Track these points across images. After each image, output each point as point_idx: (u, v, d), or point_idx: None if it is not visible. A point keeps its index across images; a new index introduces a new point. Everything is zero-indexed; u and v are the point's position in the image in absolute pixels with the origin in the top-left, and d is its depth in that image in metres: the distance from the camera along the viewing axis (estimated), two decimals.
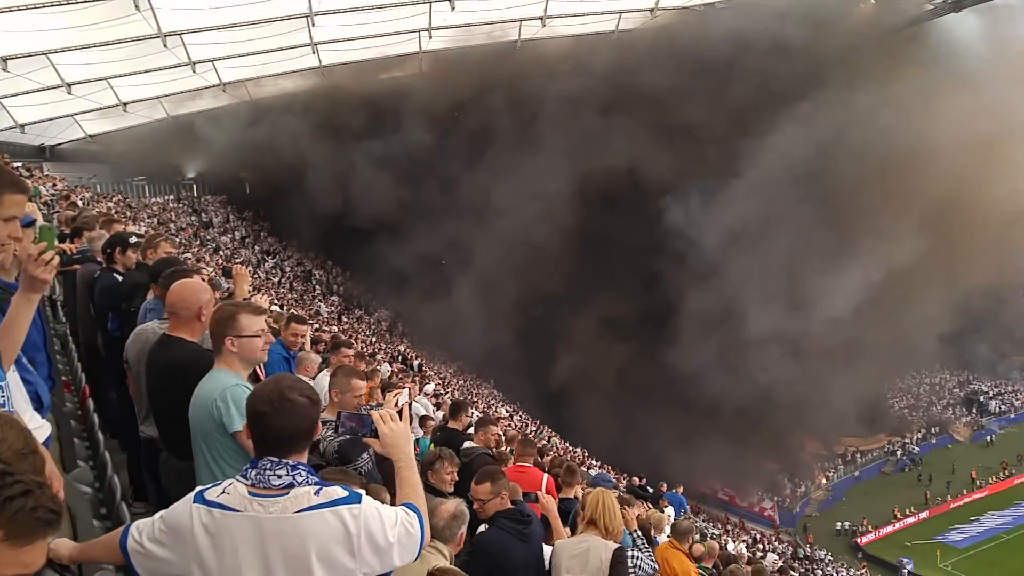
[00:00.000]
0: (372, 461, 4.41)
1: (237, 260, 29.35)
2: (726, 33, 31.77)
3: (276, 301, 19.73)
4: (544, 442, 26.50)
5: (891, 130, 34.96)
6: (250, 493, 2.25)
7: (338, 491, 2.29)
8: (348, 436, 3.98)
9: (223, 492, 2.28)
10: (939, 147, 34.73)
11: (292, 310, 20.53)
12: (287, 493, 2.25)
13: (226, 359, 3.36)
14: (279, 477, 2.27)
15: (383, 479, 4.14)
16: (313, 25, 25.64)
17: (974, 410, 53.41)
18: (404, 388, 6.00)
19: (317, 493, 2.27)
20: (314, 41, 27.73)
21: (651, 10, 32.32)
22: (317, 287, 35.65)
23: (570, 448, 29.89)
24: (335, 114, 33.25)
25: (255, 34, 25.37)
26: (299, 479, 2.28)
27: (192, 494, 2.33)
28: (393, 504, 2.58)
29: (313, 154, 33.09)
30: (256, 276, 28.62)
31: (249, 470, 2.30)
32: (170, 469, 3.80)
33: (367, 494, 2.46)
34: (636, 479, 19.32)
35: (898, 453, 48.74)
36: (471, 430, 7.29)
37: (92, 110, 27.97)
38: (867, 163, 35.39)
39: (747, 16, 31.68)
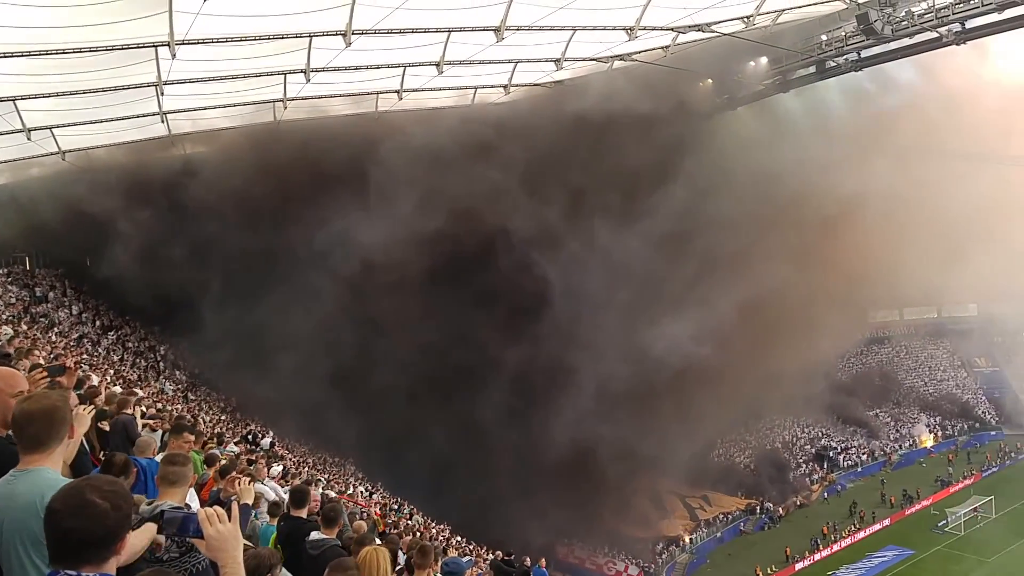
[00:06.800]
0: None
1: (73, 336, 27.64)
2: (577, 105, 33.42)
3: (114, 380, 18.64)
4: (407, 519, 25.99)
5: (742, 192, 37.62)
6: None
7: None
8: (171, 535, 3.68)
9: None
10: (790, 207, 37.65)
11: (135, 388, 19.44)
12: None
13: (53, 456, 3.09)
14: None
15: None
16: (162, 94, 24.91)
17: (825, 465, 56.30)
18: (239, 477, 5.75)
19: None
20: (163, 110, 26.97)
21: (504, 86, 33.51)
22: (161, 363, 33.89)
23: (432, 524, 29.30)
24: (162, 184, 32.40)
25: (99, 101, 24.44)
26: None
27: None
28: None
29: (144, 226, 31.89)
30: (96, 353, 26.99)
31: None
32: None
33: None
34: (500, 554, 19.15)
35: (757, 511, 50.27)
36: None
37: None
38: (721, 223, 37.67)
39: (592, 93, 33.36)
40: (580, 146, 34.88)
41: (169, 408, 19.57)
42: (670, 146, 37.21)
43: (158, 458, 5.74)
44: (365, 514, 22.72)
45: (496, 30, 24.88)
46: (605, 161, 35.89)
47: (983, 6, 27.71)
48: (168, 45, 20.55)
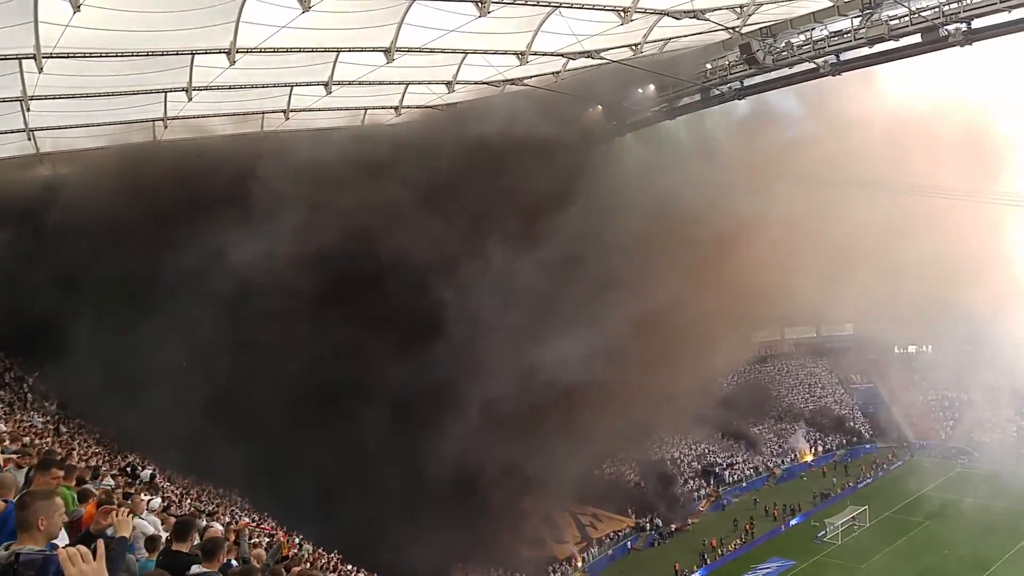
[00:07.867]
0: None
1: None
2: (468, 128, 33.80)
3: None
4: (295, 549, 25.00)
5: (635, 215, 38.48)
6: None
7: None
8: None
9: None
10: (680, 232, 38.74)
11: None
12: None
13: None
14: None
15: None
16: (28, 110, 23.41)
17: (711, 481, 57.94)
18: (113, 509, 5.30)
19: None
20: (29, 127, 25.37)
21: (396, 108, 33.25)
22: (30, 395, 31.65)
23: (323, 553, 28.28)
24: (27, 205, 30.50)
25: None
26: None
27: None
28: None
29: (5, 249, 29.92)
30: None
31: None
32: None
33: None
34: None
35: (647, 528, 51.08)
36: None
37: None
38: (614, 244, 38.35)
39: (483, 116, 33.59)
40: (472, 167, 34.89)
41: (38, 442, 18.21)
42: (563, 169, 37.72)
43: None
44: (272, 538, 21.84)
45: (386, 51, 24.65)
46: (497, 182, 36.02)
47: (855, 40, 29.34)
48: (34, 58, 19.35)
